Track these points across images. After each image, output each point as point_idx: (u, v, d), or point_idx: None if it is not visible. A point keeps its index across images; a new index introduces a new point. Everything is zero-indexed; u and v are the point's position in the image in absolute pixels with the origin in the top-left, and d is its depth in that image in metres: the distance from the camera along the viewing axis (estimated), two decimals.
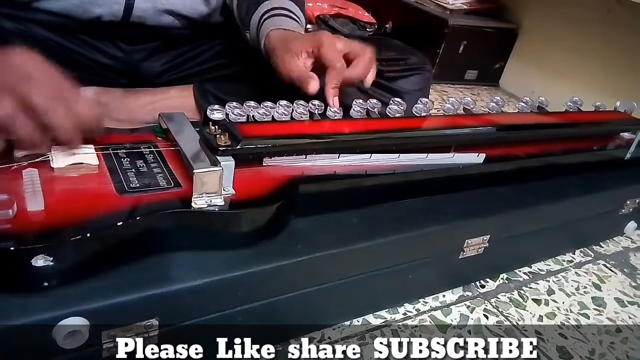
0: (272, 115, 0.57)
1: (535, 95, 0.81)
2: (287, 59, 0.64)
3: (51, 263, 0.38)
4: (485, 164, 0.67)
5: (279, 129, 0.56)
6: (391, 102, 0.66)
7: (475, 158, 0.67)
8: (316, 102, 0.61)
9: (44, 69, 0.46)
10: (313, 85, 0.61)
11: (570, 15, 1.65)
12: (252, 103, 0.57)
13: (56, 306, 0.38)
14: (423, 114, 0.68)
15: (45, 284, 0.39)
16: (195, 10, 0.79)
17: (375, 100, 0.65)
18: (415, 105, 0.68)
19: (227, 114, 0.54)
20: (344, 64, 0.63)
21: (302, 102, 0.60)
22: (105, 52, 0.78)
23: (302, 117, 0.59)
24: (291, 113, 0.59)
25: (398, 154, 0.62)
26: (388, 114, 0.65)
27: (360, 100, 0.64)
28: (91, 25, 0.73)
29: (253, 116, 0.57)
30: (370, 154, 0.60)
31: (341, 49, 0.64)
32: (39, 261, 0.38)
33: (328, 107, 0.61)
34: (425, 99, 0.69)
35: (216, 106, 0.53)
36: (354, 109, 0.63)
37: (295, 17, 0.73)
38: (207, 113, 0.53)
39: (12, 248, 0.38)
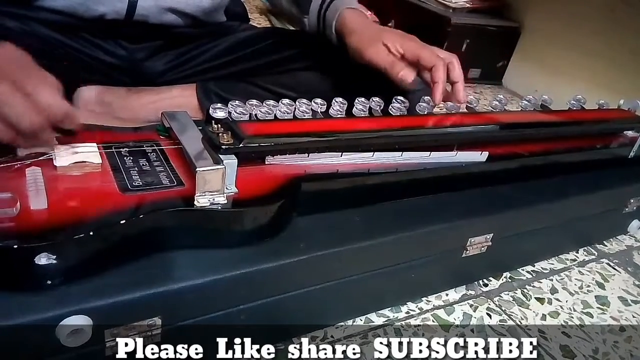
0: (275, 114, 0.57)
1: (538, 94, 0.81)
2: (376, 47, 0.69)
3: (54, 261, 0.38)
4: (488, 162, 0.67)
5: (282, 127, 0.56)
6: (394, 100, 0.66)
7: (479, 156, 0.66)
8: (318, 100, 0.61)
9: (9, 60, 0.44)
10: (410, 75, 0.66)
11: (574, 13, 1.65)
12: (254, 101, 0.57)
13: (59, 305, 0.38)
14: (426, 112, 0.67)
15: (49, 282, 0.39)
16: (198, 8, 0.79)
17: (377, 99, 0.65)
18: (418, 104, 0.68)
19: (229, 113, 0.54)
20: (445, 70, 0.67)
21: (304, 100, 0.60)
22: (108, 50, 0.78)
23: (304, 116, 0.59)
24: (294, 111, 0.59)
25: (401, 153, 0.62)
26: (391, 112, 0.65)
27: (363, 99, 0.64)
28: (94, 24, 0.73)
29: (255, 115, 0.57)
30: (372, 153, 0.60)
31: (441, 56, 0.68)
32: (42, 259, 0.38)
33: (331, 107, 0.61)
34: (428, 97, 0.69)
35: (219, 105, 0.53)
36: (356, 107, 0.63)
37: None
38: (210, 112, 0.53)
39: (15, 246, 0.38)
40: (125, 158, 0.50)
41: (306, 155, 0.57)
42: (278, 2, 0.90)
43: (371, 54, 0.68)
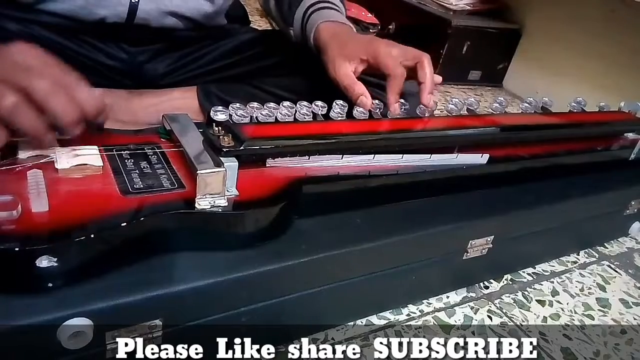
0: (276, 116, 0.57)
1: (539, 96, 0.81)
2: (338, 63, 0.66)
3: (55, 264, 0.39)
4: (489, 164, 0.67)
5: (282, 129, 0.57)
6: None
7: (479, 159, 0.67)
8: (319, 103, 0.61)
9: (44, 59, 0.45)
10: (366, 103, 0.63)
11: (574, 15, 1.65)
12: (255, 104, 0.58)
13: (60, 307, 0.39)
14: (426, 115, 0.67)
15: (50, 284, 0.39)
16: (199, 11, 0.79)
17: (377, 101, 0.65)
18: (419, 106, 0.68)
19: (230, 115, 0.54)
20: (404, 72, 0.65)
21: (305, 103, 0.60)
22: (109, 53, 0.78)
23: (305, 118, 0.59)
24: (294, 114, 0.59)
25: (401, 155, 0.62)
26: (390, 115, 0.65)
27: None
28: (95, 27, 0.73)
29: (256, 117, 0.57)
30: (373, 155, 0.60)
31: (397, 55, 0.65)
32: (43, 262, 0.38)
33: (332, 109, 0.62)
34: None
35: (219, 107, 0.54)
36: (356, 110, 0.63)
37: (337, 8, 0.76)
38: (211, 114, 0.53)
39: (16, 249, 0.38)
40: (126, 161, 0.51)
41: (307, 157, 0.57)
42: (269, 9, 0.89)
43: (331, 72, 0.67)
